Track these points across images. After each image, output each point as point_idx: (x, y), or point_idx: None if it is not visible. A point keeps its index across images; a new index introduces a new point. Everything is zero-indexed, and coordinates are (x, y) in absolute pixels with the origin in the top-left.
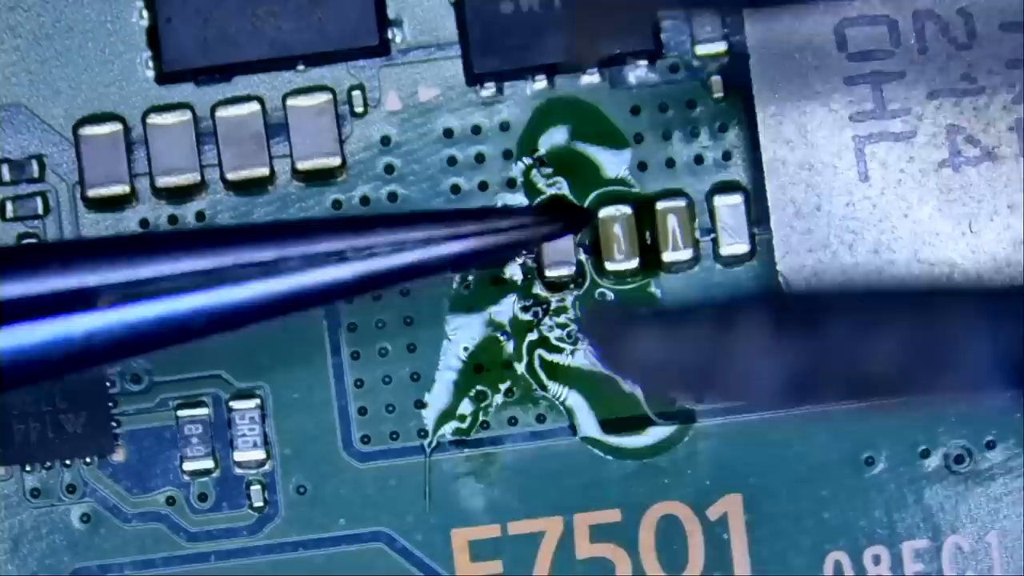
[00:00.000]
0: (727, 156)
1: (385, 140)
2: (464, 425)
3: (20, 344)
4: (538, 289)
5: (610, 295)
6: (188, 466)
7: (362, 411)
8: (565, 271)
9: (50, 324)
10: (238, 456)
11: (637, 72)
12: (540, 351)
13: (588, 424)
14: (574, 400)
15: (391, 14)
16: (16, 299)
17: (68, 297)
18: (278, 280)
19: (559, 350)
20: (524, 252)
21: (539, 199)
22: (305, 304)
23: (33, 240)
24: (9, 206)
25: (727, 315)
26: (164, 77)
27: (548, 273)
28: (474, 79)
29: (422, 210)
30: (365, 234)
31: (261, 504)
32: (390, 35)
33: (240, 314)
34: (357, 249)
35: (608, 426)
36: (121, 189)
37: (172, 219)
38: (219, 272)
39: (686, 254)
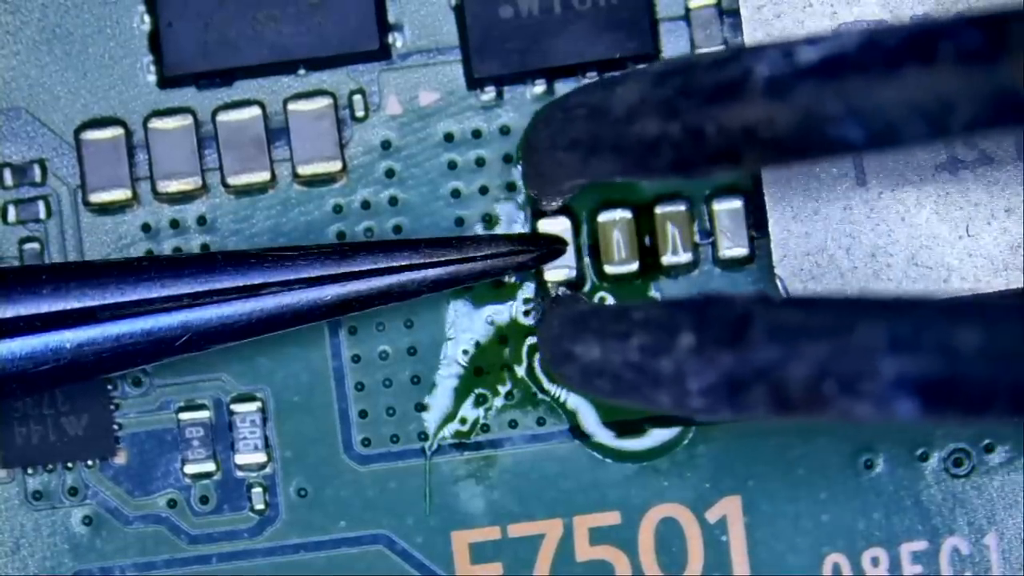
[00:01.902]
0: None
1: (386, 144)
2: (464, 428)
3: (10, 357)
4: (538, 292)
5: (610, 299)
6: (189, 469)
7: (362, 414)
8: (565, 274)
9: (40, 338)
10: (239, 459)
11: None
12: (540, 354)
13: (588, 427)
14: (574, 403)
15: (391, 18)
16: (8, 318)
17: (57, 316)
18: (261, 301)
19: None
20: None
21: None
22: (287, 323)
23: (35, 244)
24: (11, 210)
25: (658, 319)
26: (165, 81)
27: (548, 276)
28: (474, 83)
29: (401, 239)
30: (345, 261)
31: (262, 507)
32: (390, 39)
33: (221, 332)
34: (337, 275)
35: (608, 429)
36: (123, 193)
37: (173, 223)
38: (202, 295)
39: (685, 257)
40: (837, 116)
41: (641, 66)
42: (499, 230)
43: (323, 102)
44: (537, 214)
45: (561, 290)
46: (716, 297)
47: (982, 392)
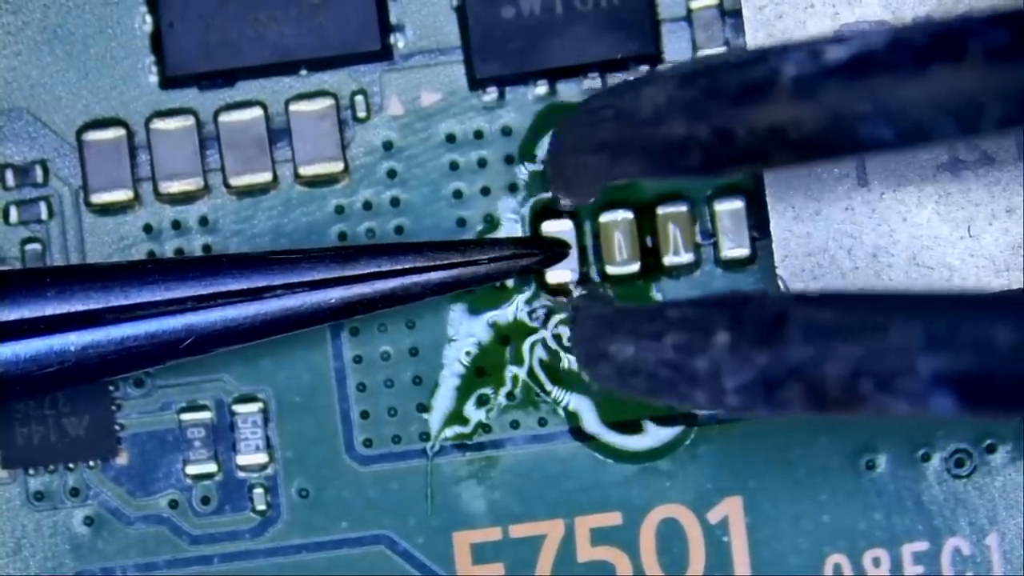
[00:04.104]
0: None
1: (387, 145)
2: (466, 428)
3: (14, 359)
4: (540, 292)
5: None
6: (191, 469)
7: (364, 415)
8: (567, 276)
9: (44, 341)
10: (240, 459)
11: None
12: (542, 354)
13: (589, 427)
14: (575, 403)
15: (393, 19)
16: (12, 321)
17: (62, 318)
18: (265, 304)
19: (562, 353)
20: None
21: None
22: (291, 326)
23: (37, 245)
24: (13, 211)
25: (692, 317)
26: (167, 82)
27: (550, 278)
28: (476, 84)
29: (404, 242)
30: (349, 264)
31: (263, 507)
32: (392, 40)
33: (224, 335)
34: (340, 278)
35: (609, 429)
36: (124, 194)
37: (175, 224)
38: (206, 298)
39: (687, 258)
40: (866, 115)
41: (666, 66)
42: (501, 231)
43: (325, 103)
44: (539, 215)
45: (583, 289)
46: (750, 295)
47: (1020, 387)
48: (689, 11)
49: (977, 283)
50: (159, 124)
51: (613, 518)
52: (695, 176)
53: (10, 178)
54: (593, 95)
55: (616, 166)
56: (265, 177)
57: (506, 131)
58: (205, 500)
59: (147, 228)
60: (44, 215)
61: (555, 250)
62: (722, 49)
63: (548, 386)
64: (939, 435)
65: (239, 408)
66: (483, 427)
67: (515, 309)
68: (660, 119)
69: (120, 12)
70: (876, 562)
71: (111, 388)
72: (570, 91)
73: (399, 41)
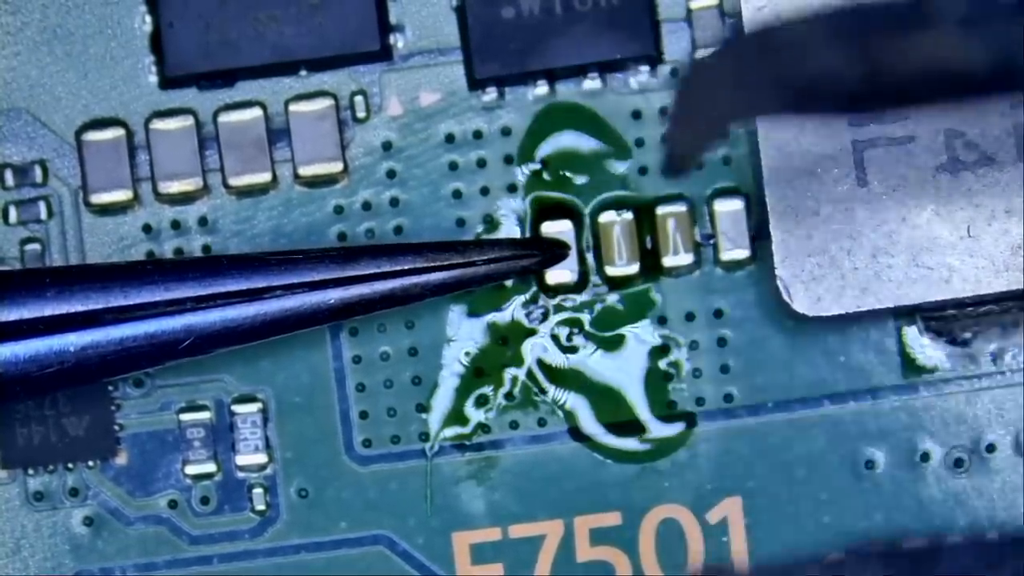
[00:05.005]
0: (727, 161)
1: (387, 145)
2: (465, 429)
3: (14, 359)
4: (539, 293)
5: (612, 299)
6: (190, 469)
7: (363, 415)
8: (566, 276)
9: (44, 341)
10: (240, 460)
11: (638, 77)
12: (541, 355)
13: (588, 427)
14: (574, 403)
15: (393, 19)
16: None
17: (61, 319)
18: (265, 304)
19: (560, 354)
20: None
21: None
22: (291, 327)
23: (36, 245)
24: (12, 211)
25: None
26: (167, 82)
27: (549, 278)
28: (475, 84)
29: (404, 243)
30: (348, 265)
31: (263, 507)
32: (392, 40)
33: (224, 336)
34: (340, 279)
35: (608, 429)
36: (124, 194)
37: (175, 224)
38: (205, 298)
39: (686, 259)
40: None
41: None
42: (500, 231)
43: (324, 103)
44: (539, 215)
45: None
46: None
47: None
48: (689, 11)
49: (977, 284)
50: (158, 124)
51: (612, 518)
52: (840, 113)
53: (9, 178)
54: (731, 33)
55: (754, 103)
56: (265, 177)
57: (505, 131)
58: (205, 500)
59: (146, 228)
60: (43, 215)
61: (554, 251)
62: None
63: (547, 386)
64: (939, 435)
65: (239, 408)
66: (482, 427)
67: (514, 310)
68: (808, 53)
69: (120, 12)
70: None
71: (111, 388)
72: (569, 91)
73: (398, 41)
